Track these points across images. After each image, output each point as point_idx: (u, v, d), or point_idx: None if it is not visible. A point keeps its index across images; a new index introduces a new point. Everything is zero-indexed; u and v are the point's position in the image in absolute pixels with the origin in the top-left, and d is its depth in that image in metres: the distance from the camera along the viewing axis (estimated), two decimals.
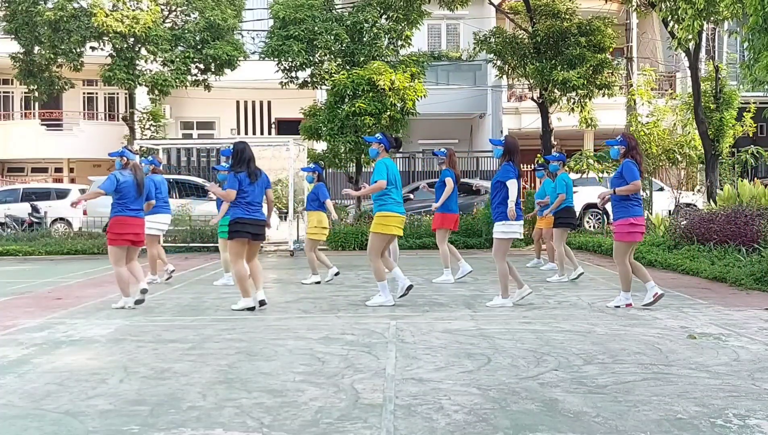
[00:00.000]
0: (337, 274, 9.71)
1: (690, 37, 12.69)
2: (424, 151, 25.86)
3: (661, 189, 18.75)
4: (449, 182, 9.37)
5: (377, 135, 7.86)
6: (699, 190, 18.92)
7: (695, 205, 17.12)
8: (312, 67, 17.31)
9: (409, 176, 24.08)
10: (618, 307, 7.11)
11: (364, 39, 17.14)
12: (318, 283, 9.54)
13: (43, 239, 16.27)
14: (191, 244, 15.58)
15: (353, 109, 15.59)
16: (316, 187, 9.66)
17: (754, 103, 17.34)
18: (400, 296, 7.66)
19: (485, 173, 24.10)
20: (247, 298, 7.27)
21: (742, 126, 17.30)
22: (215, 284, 9.58)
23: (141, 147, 16.75)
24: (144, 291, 7.51)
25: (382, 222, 7.45)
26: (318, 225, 9.53)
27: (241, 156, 7.18)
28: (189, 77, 18.74)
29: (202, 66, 18.85)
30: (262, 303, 7.28)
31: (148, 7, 17.84)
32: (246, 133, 28.23)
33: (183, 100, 24.90)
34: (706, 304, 7.36)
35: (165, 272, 9.93)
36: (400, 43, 17.62)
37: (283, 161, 16.53)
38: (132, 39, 17.85)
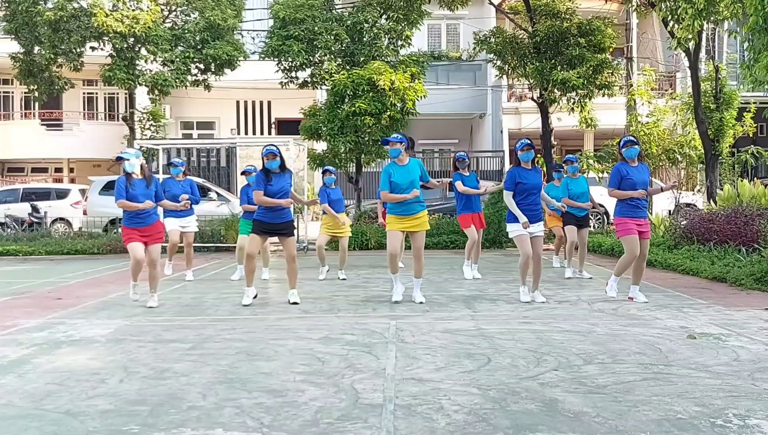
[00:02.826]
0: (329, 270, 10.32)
1: (690, 37, 12.68)
2: (424, 151, 25.86)
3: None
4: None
5: (396, 135, 7.79)
6: (699, 190, 18.91)
7: (695, 205, 17.11)
8: (312, 67, 17.30)
9: None
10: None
11: (364, 39, 17.13)
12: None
13: (43, 239, 16.26)
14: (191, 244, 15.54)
15: (353, 109, 15.58)
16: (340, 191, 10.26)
17: (754, 103, 17.34)
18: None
19: (485, 173, 24.11)
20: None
21: (742, 126, 17.29)
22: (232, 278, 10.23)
23: (141, 147, 16.76)
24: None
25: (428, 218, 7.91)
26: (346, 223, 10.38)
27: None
28: (189, 77, 18.71)
29: (202, 66, 18.84)
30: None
31: (148, 7, 17.81)
32: (246, 133, 28.23)
33: (183, 100, 24.89)
34: (706, 304, 7.36)
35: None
36: (400, 43, 17.60)
37: None
38: (132, 39, 17.82)
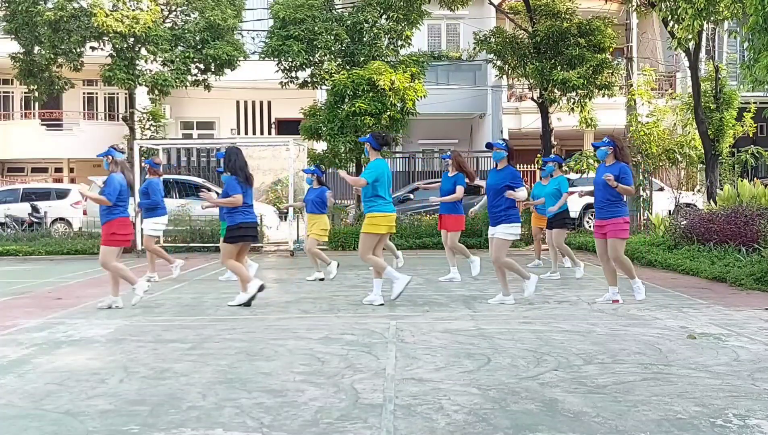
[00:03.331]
0: (321, 279, 9.94)
1: (690, 37, 12.68)
2: (424, 151, 25.86)
3: (661, 189, 18.74)
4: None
5: (366, 136, 7.98)
6: (699, 190, 18.90)
7: (695, 205, 17.10)
8: (312, 67, 17.30)
9: (409, 176, 24.07)
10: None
11: (364, 39, 17.12)
12: (322, 279, 9.90)
13: (43, 239, 16.26)
14: (191, 244, 15.58)
15: (353, 109, 15.57)
16: (320, 191, 10.02)
17: (754, 103, 17.32)
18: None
19: (485, 173, 24.11)
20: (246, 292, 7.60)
21: (742, 126, 17.28)
22: (220, 279, 10.12)
23: (141, 147, 16.76)
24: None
25: (372, 222, 7.60)
26: (324, 227, 10.03)
27: (235, 163, 7.55)
28: (189, 77, 18.69)
29: (202, 66, 18.82)
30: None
31: (148, 7, 17.79)
32: (246, 133, 28.23)
33: (183, 100, 24.88)
34: (706, 304, 7.36)
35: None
36: (400, 43, 17.60)
37: (283, 161, 16.54)
38: (132, 39, 17.81)
